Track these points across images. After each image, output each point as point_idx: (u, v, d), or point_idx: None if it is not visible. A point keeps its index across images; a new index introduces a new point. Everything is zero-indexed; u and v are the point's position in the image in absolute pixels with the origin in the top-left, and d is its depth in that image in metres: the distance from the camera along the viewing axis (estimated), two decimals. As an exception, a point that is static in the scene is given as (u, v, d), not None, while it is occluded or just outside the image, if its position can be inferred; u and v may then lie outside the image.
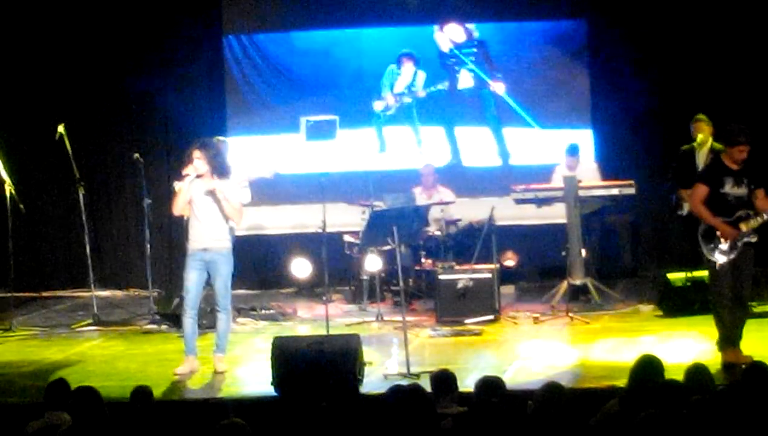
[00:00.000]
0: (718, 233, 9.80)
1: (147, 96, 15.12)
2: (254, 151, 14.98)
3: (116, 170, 15.45)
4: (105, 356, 11.56)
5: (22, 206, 13.06)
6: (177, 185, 10.74)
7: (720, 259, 9.83)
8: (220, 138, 12.82)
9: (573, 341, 11.46)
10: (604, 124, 14.70)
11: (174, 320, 12.24)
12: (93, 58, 15.18)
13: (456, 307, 12.42)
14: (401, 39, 15.20)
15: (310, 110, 14.05)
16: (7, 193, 13.02)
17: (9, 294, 13.39)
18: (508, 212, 13.75)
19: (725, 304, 9.92)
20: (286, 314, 13.23)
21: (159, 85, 15.11)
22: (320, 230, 12.09)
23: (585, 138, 14.48)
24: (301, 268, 14.28)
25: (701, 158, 12.28)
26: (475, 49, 15.07)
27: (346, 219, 13.77)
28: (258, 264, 15.17)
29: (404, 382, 8.92)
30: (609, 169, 13.94)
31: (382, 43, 15.23)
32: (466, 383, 8.30)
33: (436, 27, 15.09)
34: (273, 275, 15.17)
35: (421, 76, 15.14)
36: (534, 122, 14.93)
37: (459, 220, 13.93)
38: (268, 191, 13.97)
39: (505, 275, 13.58)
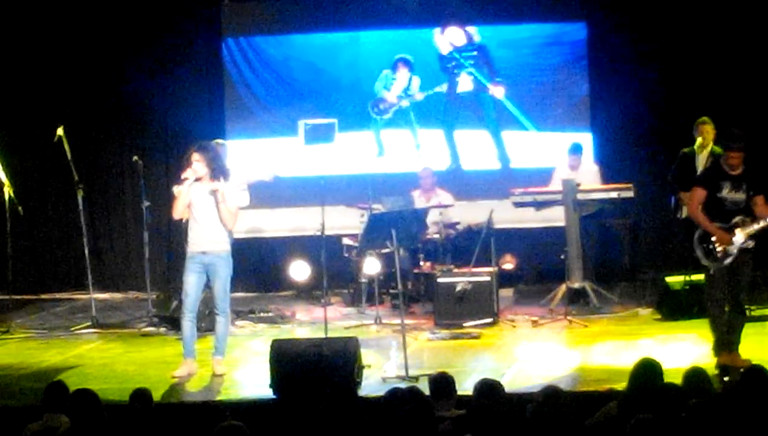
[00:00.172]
0: (713, 239, 9.80)
1: (146, 99, 15.12)
2: (253, 155, 14.99)
3: (115, 173, 15.45)
4: (103, 359, 11.55)
5: (20, 208, 13.07)
6: (176, 189, 10.74)
7: (714, 264, 9.83)
8: (219, 141, 12.83)
9: (571, 345, 11.46)
10: (603, 127, 14.70)
11: (172, 322, 12.24)
12: (92, 60, 15.19)
13: (454, 310, 12.42)
14: (400, 42, 15.20)
15: (308, 113, 14.06)
16: (6, 196, 13.03)
17: (7, 296, 13.40)
18: (507, 215, 13.75)
19: (720, 309, 9.93)
20: (284, 316, 13.24)
21: (158, 88, 15.12)
22: (319, 233, 12.09)
23: (584, 141, 14.45)
24: (299, 271, 14.29)
25: (701, 162, 12.28)
26: (475, 53, 15.07)
27: (345, 222, 13.77)
28: (257, 267, 15.18)
29: (403, 385, 8.89)
30: (608, 172, 13.93)
31: (380, 46, 15.24)
32: (465, 386, 8.29)
33: (437, 30, 15.10)
34: (272, 278, 15.19)
35: (416, 81, 15.14)
36: (533, 126, 14.94)
37: (458, 223, 13.94)
38: (267, 194, 13.96)
39: (504, 278, 13.58)
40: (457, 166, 15.18)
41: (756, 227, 9.77)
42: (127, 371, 10.86)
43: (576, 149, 13.87)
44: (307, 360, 9.50)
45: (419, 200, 13.96)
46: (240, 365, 11.05)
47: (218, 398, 9.83)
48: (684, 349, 10.69)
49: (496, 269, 12.87)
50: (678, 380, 7.21)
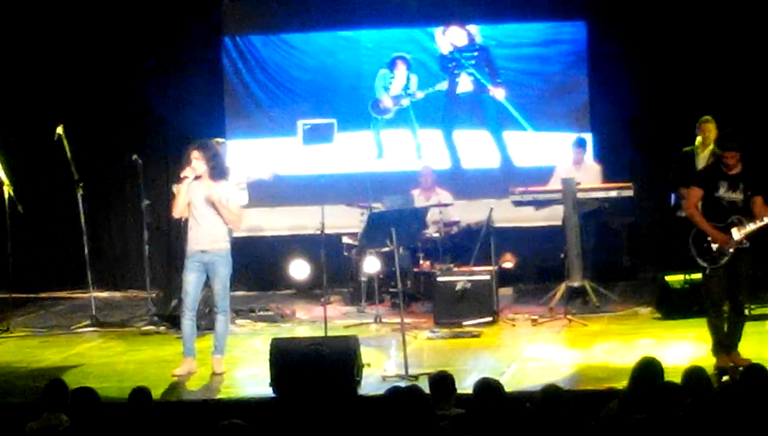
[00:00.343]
0: (709, 238, 9.80)
1: (146, 97, 15.11)
2: (253, 154, 14.99)
3: (115, 171, 15.43)
4: (103, 357, 11.56)
5: (20, 207, 13.07)
6: (176, 188, 10.75)
7: (709, 264, 9.83)
8: (219, 139, 12.84)
9: (571, 344, 11.46)
10: (603, 127, 14.70)
11: (172, 321, 12.25)
12: (92, 59, 15.19)
13: (454, 309, 12.42)
14: (399, 41, 15.21)
15: (308, 113, 14.05)
16: (6, 194, 13.03)
17: (7, 295, 13.39)
18: (507, 214, 13.75)
19: (717, 309, 9.92)
20: (284, 315, 13.24)
21: (158, 87, 15.11)
22: (319, 232, 12.08)
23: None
24: (299, 269, 14.27)
25: (701, 160, 12.28)
26: (476, 53, 15.07)
27: (345, 221, 13.77)
28: (257, 266, 15.17)
29: (402, 383, 8.91)
30: (608, 171, 13.93)
31: (380, 45, 15.23)
32: (465, 385, 8.29)
33: (439, 29, 15.10)
34: (271, 277, 15.18)
35: (414, 79, 15.15)
36: (532, 126, 14.93)
37: (457, 222, 13.94)
38: (266, 193, 13.97)
39: (504, 277, 13.57)
40: (456, 165, 15.18)
41: (752, 226, 9.76)
42: (127, 370, 10.87)
43: (581, 143, 13.89)
44: (307, 359, 9.50)
45: (419, 199, 13.96)
46: (240, 364, 11.05)
47: (218, 396, 9.84)
48: (683, 348, 10.70)
49: (495, 267, 12.87)
50: (677, 378, 7.20)
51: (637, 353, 9.18)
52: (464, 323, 12.24)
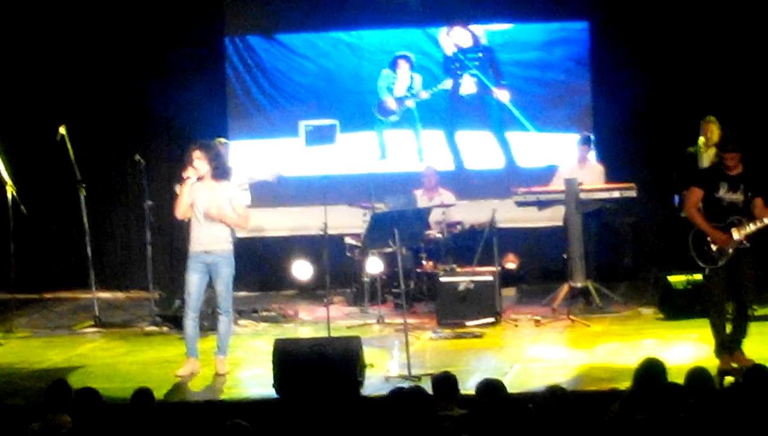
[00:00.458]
0: (709, 239, 9.79)
1: (148, 97, 15.11)
2: (256, 155, 14.99)
3: (117, 172, 15.44)
4: (106, 358, 11.56)
5: (23, 208, 13.07)
6: (179, 188, 10.74)
7: (708, 265, 9.82)
8: (221, 139, 12.85)
9: (574, 344, 11.45)
10: (605, 127, 14.69)
11: (175, 321, 12.25)
12: (94, 59, 15.19)
13: (457, 309, 12.41)
14: (401, 41, 15.20)
15: (310, 114, 14.05)
16: (9, 195, 13.03)
17: (10, 295, 13.38)
18: (510, 215, 13.74)
19: (719, 311, 9.92)
20: (287, 316, 13.24)
21: (160, 87, 15.11)
22: (321, 232, 12.09)
23: (586, 141, 14.46)
24: (302, 270, 14.29)
25: (705, 160, 12.28)
26: (480, 54, 15.06)
27: (348, 221, 13.75)
28: (259, 266, 15.18)
29: (405, 384, 8.92)
30: (611, 173, 13.92)
31: (382, 46, 15.23)
32: (467, 386, 8.30)
33: (442, 30, 15.09)
34: (274, 277, 15.19)
35: (418, 78, 15.15)
36: (535, 127, 14.92)
37: (460, 222, 13.93)
38: (269, 193, 13.97)
39: (506, 278, 13.57)
40: (459, 166, 15.17)
41: (752, 227, 9.75)
42: (130, 371, 10.87)
43: (587, 140, 13.86)
44: (309, 359, 9.50)
45: (422, 199, 13.95)
46: (243, 365, 11.05)
47: (221, 397, 9.84)
48: (686, 348, 10.69)
49: (498, 268, 12.86)
50: (680, 379, 7.20)
51: (640, 353, 9.17)
52: (467, 324, 12.24)
